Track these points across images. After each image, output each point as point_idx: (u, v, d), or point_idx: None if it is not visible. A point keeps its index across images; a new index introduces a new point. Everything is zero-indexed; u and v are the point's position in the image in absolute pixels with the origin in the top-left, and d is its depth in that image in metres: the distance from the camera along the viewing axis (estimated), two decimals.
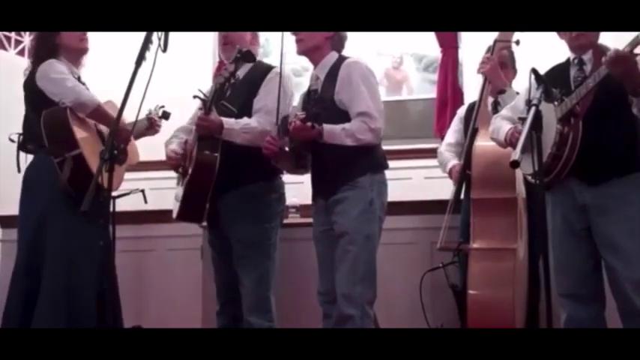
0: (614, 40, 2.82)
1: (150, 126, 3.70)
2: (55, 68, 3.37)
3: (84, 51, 3.55)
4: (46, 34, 3.45)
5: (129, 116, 3.03)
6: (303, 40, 3.33)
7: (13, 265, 3.41)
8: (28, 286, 3.31)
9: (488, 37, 3.96)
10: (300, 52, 3.38)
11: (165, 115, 3.69)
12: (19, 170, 3.44)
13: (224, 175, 3.22)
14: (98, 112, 3.33)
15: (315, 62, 3.38)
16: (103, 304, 3.17)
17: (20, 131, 3.50)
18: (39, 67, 3.39)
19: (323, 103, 3.17)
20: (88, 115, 3.33)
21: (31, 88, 3.40)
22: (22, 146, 3.46)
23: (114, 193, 3.45)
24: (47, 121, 3.30)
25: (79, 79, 3.51)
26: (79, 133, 3.30)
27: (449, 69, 5.88)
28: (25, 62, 5.78)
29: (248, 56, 3.29)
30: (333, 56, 3.35)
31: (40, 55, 3.45)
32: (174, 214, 3.38)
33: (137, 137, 3.71)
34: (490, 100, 3.90)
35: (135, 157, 3.68)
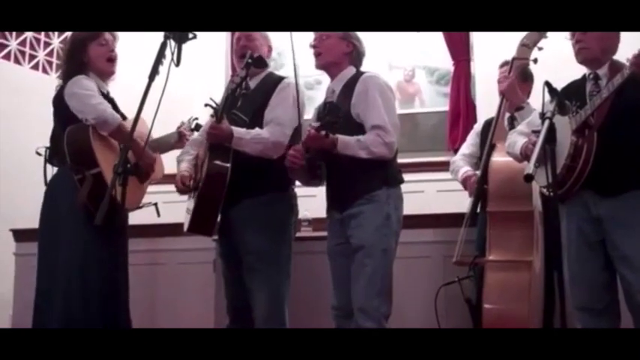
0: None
1: (179, 139, 3.70)
2: (82, 84, 3.36)
3: (110, 74, 3.55)
4: (75, 51, 3.46)
5: (156, 130, 3.05)
6: (322, 54, 3.35)
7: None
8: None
9: (501, 50, 3.96)
10: (319, 66, 3.39)
11: (198, 128, 3.67)
12: (45, 183, 3.44)
13: (235, 185, 3.18)
14: (119, 132, 3.30)
15: (333, 76, 3.39)
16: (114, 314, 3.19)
17: (43, 144, 3.50)
18: (67, 82, 3.39)
19: (337, 112, 3.15)
20: (109, 135, 3.32)
21: (58, 103, 3.40)
22: (49, 160, 3.46)
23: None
24: (70, 138, 3.30)
25: (107, 94, 3.52)
26: (101, 152, 3.29)
27: (461, 82, 5.90)
28: (39, 76, 5.88)
29: (259, 61, 3.26)
30: (350, 70, 3.36)
31: (69, 71, 3.45)
32: (185, 227, 3.35)
33: (166, 150, 3.72)
34: (506, 115, 3.89)
35: (159, 172, 3.67)
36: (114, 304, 3.20)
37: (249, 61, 3.22)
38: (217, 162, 3.21)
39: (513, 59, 3.77)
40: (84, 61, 3.45)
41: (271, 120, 3.32)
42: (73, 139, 3.30)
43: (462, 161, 4.18)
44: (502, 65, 4.01)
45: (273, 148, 3.25)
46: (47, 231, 3.37)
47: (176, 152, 3.65)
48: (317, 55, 3.36)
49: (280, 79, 3.46)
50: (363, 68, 3.42)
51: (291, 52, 3.26)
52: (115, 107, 3.51)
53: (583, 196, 2.98)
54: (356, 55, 3.39)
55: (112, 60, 3.52)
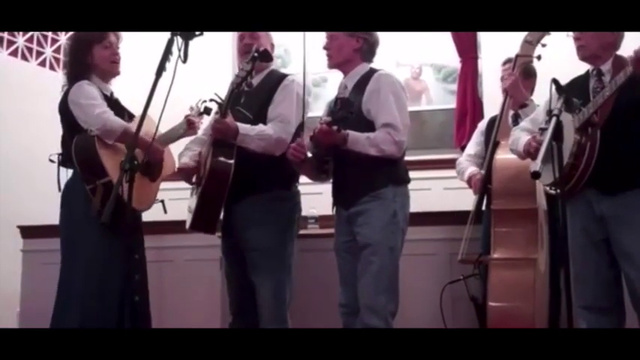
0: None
1: (189, 127, 3.68)
2: (85, 92, 3.36)
3: (114, 74, 3.56)
4: (80, 53, 3.47)
5: (162, 127, 3.03)
6: (332, 55, 3.36)
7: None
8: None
9: (508, 47, 3.95)
10: (331, 67, 3.41)
11: (207, 111, 3.63)
12: (59, 189, 3.44)
13: (238, 182, 3.19)
14: (125, 136, 3.29)
15: (346, 73, 3.41)
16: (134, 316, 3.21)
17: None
18: (71, 88, 3.39)
19: (349, 108, 3.14)
20: (115, 141, 3.33)
21: (64, 110, 3.41)
22: (63, 163, 3.46)
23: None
24: (77, 149, 3.31)
25: (111, 95, 3.52)
26: (108, 160, 3.28)
27: (468, 79, 5.89)
28: (46, 73, 5.87)
29: (265, 55, 3.25)
30: (363, 67, 3.37)
31: (73, 73, 3.47)
32: (187, 225, 3.35)
33: (176, 140, 3.69)
34: (510, 112, 3.89)
35: (170, 167, 3.67)
36: (130, 304, 3.22)
37: (256, 54, 3.21)
38: (221, 159, 3.21)
39: (517, 56, 3.77)
40: (88, 63, 3.46)
41: (275, 117, 3.33)
42: (80, 149, 3.31)
43: (467, 162, 4.18)
44: (505, 63, 4.01)
45: (276, 144, 3.25)
46: (65, 236, 3.40)
47: (181, 149, 3.64)
48: (328, 56, 3.38)
49: (283, 76, 3.47)
50: (372, 66, 3.42)
51: (302, 51, 3.26)
52: (120, 107, 3.52)
53: (586, 194, 2.98)
54: (367, 49, 3.38)
55: (116, 62, 3.53)
